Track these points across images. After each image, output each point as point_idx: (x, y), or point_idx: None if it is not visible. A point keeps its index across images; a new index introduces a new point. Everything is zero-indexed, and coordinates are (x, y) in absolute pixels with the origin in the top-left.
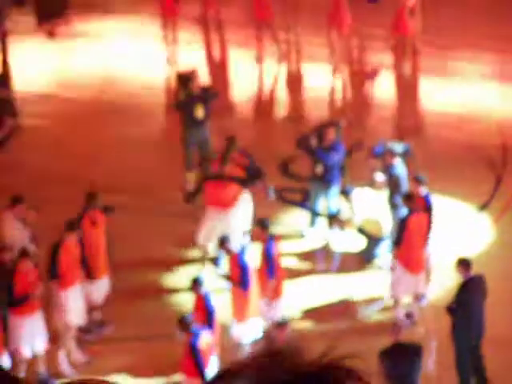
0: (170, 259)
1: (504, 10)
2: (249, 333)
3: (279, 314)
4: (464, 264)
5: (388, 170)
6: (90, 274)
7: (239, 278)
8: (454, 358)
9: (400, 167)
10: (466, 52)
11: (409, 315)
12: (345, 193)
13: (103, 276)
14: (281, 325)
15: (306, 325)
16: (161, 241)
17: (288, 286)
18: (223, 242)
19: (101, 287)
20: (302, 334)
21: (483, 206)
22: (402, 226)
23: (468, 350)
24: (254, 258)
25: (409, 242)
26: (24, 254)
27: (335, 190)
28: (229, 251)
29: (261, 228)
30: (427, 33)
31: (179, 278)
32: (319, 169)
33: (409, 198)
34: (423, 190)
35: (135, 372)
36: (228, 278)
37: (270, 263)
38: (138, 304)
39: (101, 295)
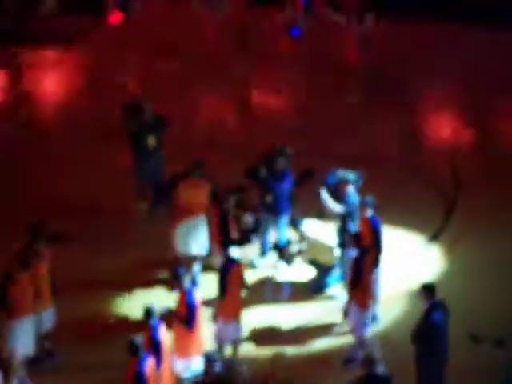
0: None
1: None
2: (190, 368)
3: (237, 335)
4: (428, 289)
5: (343, 198)
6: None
7: (185, 315)
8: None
9: (354, 195)
10: None
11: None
12: (294, 224)
13: (49, 306)
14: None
15: (257, 353)
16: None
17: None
18: (176, 277)
19: (48, 317)
20: (253, 361)
21: (434, 237)
22: (358, 268)
23: (436, 377)
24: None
25: (365, 282)
26: None
27: (285, 219)
28: (180, 287)
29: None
30: None
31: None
32: (269, 198)
33: (356, 237)
34: (369, 212)
35: None
36: (174, 313)
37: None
38: (87, 331)
39: (49, 325)
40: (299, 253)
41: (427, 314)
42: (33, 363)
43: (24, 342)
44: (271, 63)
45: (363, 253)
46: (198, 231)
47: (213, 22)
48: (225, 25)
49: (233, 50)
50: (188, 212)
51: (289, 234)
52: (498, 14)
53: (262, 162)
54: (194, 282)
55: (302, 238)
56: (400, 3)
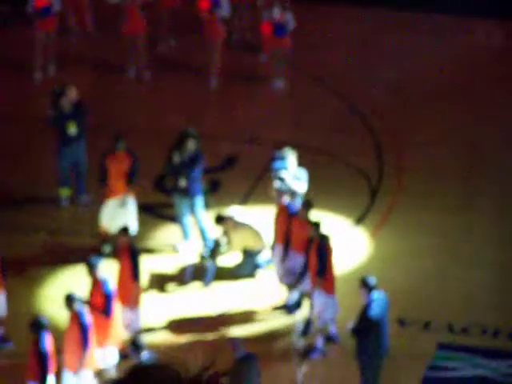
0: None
1: None
2: (107, 358)
3: (139, 322)
4: (367, 284)
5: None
6: None
7: (102, 305)
8: (362, 375)
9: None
10: None
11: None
12: (218, 220)
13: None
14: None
15: (180, 339)
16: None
17: (161, 301)
18: (91, 267)
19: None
20: (179, 348)
21: (360, 220)
22: (322, 255)
23: (376, 370)
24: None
25: (329, 267)
26: None
27: (200, 201)
28: (94, 276)
29: (124, 235)
30: None
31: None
32: (183, 182)
33: (317, 225)
34: (285, 200)
35: None
36: (90, 304)
37: (134, 268)
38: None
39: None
40: (224, 245)
41: (366, 309)
42: None
43: None
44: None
45: (324, 239)
46: (124, 209)
47: None
48: None
49: None
50: (115, 188)
51: (212, 229)
52: None
53: (174, 146)
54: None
55: (225, 232)
56: None
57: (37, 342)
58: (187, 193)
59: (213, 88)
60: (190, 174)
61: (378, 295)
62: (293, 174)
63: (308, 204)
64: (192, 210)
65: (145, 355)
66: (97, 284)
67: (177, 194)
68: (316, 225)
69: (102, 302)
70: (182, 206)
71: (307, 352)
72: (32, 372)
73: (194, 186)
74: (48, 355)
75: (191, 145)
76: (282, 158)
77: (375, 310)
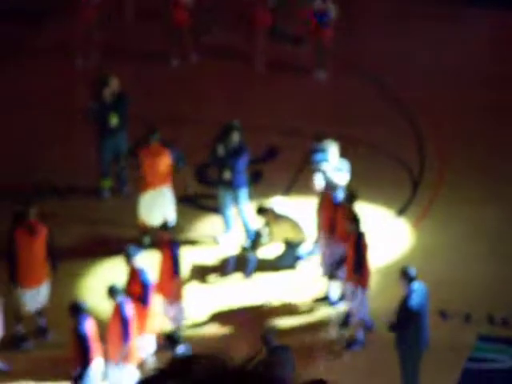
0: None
1: None
2: (146, 347)
3: (182, 316)
4: (407, 274)
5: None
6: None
7: (140, 294)
8: (402, 367)
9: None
10: None
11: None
12: (261, 210)
13: (43, 283)
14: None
15: (222, 330)
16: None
17: (203, 292)
18: (129, 257)
19: (42, 294)
20: (222, 339)
21: (401, 212)
22: (359, 252)
23: (416, 361)
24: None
25: (365, 262)
26: None
27: (244, 193)
28: (131, 266)
29: (165, 230)
30: None
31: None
32: (227, 174)
33: (356, 221)
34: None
35: None
36: (128, 294)
37: (175, 264)
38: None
39: (42, 302)
40: (265, 236)
41: (406, 299)
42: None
43: None
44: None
45: (360, 233)
46: (162, 201)
47: None
48: None
49: None
50: (151, 181)
51: (254, 220)
52: None
53: (218, 138)
54: None
55: (267, 223)
56: None
57: (76, 326)
58: (231, 185)
59: (259, 71)
60: (235, 167)
61: (418, 286)
62: (334, 166)
63: (352, 196)
64: (235, 202)
65: (180, 349)
66: (134, 273)
67: (221, 185)
68: (355, 220)
69: (139, 292)
70: (226, 197)
71: (348, 344)
72: (75, 359)
73: (239, 178)
74: (88, 338)
75: (235, 137)
76: (323, 150)
77: (415, 301)
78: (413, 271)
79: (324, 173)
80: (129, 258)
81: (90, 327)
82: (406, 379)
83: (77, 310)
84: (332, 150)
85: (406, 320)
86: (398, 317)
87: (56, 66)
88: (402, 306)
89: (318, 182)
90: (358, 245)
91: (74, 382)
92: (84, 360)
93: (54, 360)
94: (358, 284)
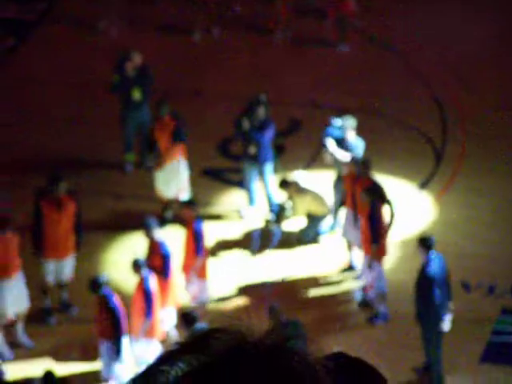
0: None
1: None
2: (167, 319)
3: (206, 294)
4: (425, 242)
5: (347, 147)
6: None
7: (160, 266)
8: (424, 339)
9: (357, 140)
10: None
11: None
12: (283, 184)
13: (68, 256)
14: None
15: (245, 303)
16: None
17: (227, 266)
18: (148, 228)
19: (66, 267)
20: (244, 312)
21: (424, 185)
22: (373, 222)
23: (438, 333)
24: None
25: (382, 235)
26: None
27: (269, 168)
28: (151, 238)
29: (189, 207)
30: None
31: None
32: (252, 149)
33: (368, 190)
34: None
35: None
36: (149, 265)
37: (198, 241)
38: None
39: (66, 275)
40: (289, 210)
41: (424, 267)
42: (45, 315)
43: (12, 301)
44: None
45: (375, 204)
46: (176, 174)
47: None
48: None
49: None
50: (166, 155)
51: (278, 194)
52: None
53: (243, 112)
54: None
55: (290, 197)
56: None
57: (103, 301)
58: (256, 159)
59: (279, 40)
60: (260, 141)
61: (436, 255)
62: (349, 142)
63: (365, 164)
64: (260, 176)
65: (196, 328)
66: (154, 245)
67: (246, 160)
68: (370, 191)
69: (159, 264)
70: (251, 172)
71: (371, 318)
72: (105, 331)
73: (264, 152)
74: (119, 310)
75: (261, 111)
76: (337, 125)
77: (433, 268)
78: (431, 240)
79: (326, 148)
80: (148, 230)
81: (117, 300)
82: (429, 351)
83: (97, 285)
84: (348, 125)
85: (428, 287)
86: (418, 285)
87: (78, 40)
88: (420, 273)
89: (327, 157)
90: (373, 216)
91: (110, 358)
92: (117, 334)
93: (79, 335)
94: (374, 257)
